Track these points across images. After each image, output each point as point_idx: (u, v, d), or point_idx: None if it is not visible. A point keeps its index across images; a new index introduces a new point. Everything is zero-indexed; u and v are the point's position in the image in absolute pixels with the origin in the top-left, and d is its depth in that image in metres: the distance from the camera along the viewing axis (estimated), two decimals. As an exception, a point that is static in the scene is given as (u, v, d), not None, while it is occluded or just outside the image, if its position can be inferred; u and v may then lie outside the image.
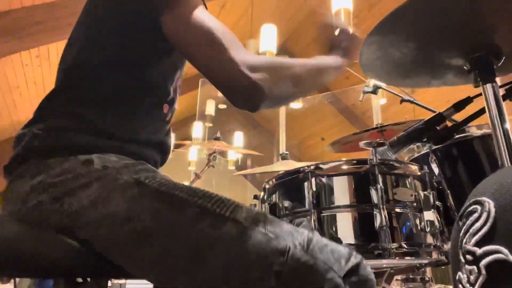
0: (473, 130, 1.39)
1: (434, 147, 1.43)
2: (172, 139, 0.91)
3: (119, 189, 0.65)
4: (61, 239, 0.64)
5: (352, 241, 1.17)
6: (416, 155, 1.53)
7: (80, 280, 0.69)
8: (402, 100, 1.80)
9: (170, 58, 0.82)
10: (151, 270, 0.64)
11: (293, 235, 0.60)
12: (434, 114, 0.99)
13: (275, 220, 0.64)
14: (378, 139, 1.24)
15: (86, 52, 0.78)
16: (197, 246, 0.60)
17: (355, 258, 0.60)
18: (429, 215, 1.22)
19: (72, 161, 0.68)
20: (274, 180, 1.40)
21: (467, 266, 0.50)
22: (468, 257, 0.50)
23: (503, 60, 0.88)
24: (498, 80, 0.87)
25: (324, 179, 1.25)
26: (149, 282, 0.67)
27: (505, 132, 0.83)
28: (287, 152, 2.19)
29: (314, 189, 1.23)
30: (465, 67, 0.90)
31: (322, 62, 0.86)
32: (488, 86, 0.86)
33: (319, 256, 0.58)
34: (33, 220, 0.66)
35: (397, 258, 1.14)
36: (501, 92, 0.90)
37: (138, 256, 0.63)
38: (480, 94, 0.88)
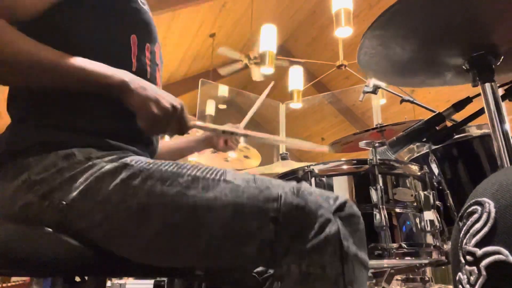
0: (473, 130, 1.39)
1: (434, 147, 1.43)
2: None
3: (107, 175, 0.65)
4: (57, 237, 0.64)
5: (352, 241, 1.16)
6: (416, 155, 1.53)
7: (78, 279, 0.69)
8: (402, 100, 1.80)
9: (100, 21, 0.76)
10: (153, 247, 0.64)
11: (282, 185, 0.65)
12: (434, 114, 0.99)
13: (263, 177, 0.68)
14: (378, 139, 1.24)
15: None
16: (194, 211, 0.62)
17: (342, 198, 0.65)
18: (429, 215, 1.22)
19: (52, 157, 0.67)
20: (274, 180, 1.40)
21: (467, 267, 0.50)
22: (468, 258, 0.50)
23: (502, 60, 0.88)
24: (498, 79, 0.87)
25: (324, 179, 1.25)
26: (149, 282, 0.67)
27: (504, 132, 0.82)
28: (287, 152, 2.19)
29: (314, 189, 1.23)
30: (464, 67, 0.90)
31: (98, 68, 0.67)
32: (487, 85, 0.85)
33: (309, 198, 0.62)
34: (24, 220, 0.66)
35: (397, 258, 1.14)
36: (501, 92, 0.89)
37: (138, 235, 0.63)
38: (479, 94, 0.88)
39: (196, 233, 0.62)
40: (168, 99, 0.71)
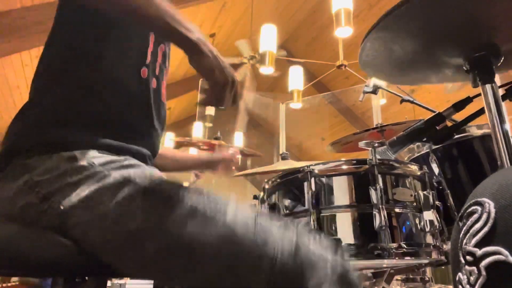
0: (473, 130, 1.39)
1: (434, 147, 1.43)
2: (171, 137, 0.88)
3: (109, 189, 0.64)
4: (56, 238, 0.64)
5: (352, 241, 1.16)
6: (416, 155, 1.53)
7: (78, 279, 0.69)
8: (402, 100, 1.80)
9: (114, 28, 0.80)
10: (144, 270, 0.64)
11: (281, 241, 0.60)
12: (434, 114, 0.99)
13: (265, 222, 0.63)
14: (378, 139, 1.24)
15: (49, 50, 0.80)
16: (189, 245, 0.60)
17: (342, 266, 0.61)
18: (429, 215, 1.22)
19: (55, 159, 0.67)
20: (273, 180, 1.40)
21: (467, 267, 0.50)
22: (468, 258, 0.50)
23: (502, 60, 0.88)
24: (498, 79, 0.87)
25: (323, 179, 1.25)
26: (149, 282, 0.67)
27: (505, 133, 0.82)
28: (287, 152, 2.19)
29: (313, 189, 1.23)
30: (464, 67, 0.90)
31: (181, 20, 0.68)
32: (488, 86, 0.85)
33: (305, 262, 0.59)
34: (24, 220, 0.66)
35: (396, 258, 1.14)
36: (501, 92, 0.89)
37: (131, 257, 0.62)
38: (479, 94, 0.88)
39: (187, 268, 0.60)
40: (230, 70, 0.72)
